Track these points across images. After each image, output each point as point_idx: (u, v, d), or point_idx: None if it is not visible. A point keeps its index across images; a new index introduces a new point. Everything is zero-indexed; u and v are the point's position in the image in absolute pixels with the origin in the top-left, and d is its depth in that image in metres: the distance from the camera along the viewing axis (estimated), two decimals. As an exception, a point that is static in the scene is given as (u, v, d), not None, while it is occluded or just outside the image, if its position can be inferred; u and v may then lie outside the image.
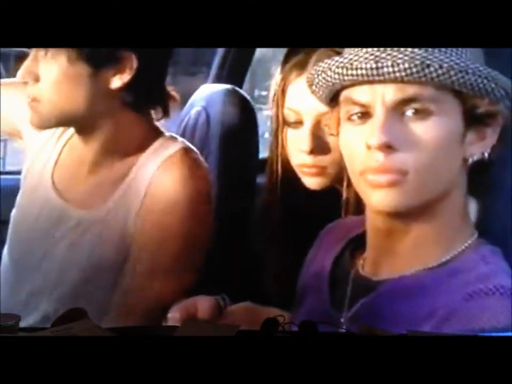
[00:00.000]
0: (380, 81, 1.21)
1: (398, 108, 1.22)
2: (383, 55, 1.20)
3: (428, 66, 1.18)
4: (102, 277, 1.58)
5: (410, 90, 1.21)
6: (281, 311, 1.41)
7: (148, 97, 1.62)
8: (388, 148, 1.21)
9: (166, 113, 1.65)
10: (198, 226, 1.59)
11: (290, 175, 1.68)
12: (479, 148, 1.26)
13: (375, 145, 1.21)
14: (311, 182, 1.65)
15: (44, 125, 1.62)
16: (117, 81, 1.55)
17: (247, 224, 1.90)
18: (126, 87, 1.56)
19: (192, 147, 1.66)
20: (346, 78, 1.24)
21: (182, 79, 2.12)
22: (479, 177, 1.30)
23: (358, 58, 1.22)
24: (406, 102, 1.22)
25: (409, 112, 1.22)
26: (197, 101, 2.07)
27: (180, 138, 1.68)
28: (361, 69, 1.21)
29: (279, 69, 1.68)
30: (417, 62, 1.18)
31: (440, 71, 1.18)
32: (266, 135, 1.99)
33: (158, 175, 1.58)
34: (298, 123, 1.62)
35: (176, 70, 2.08)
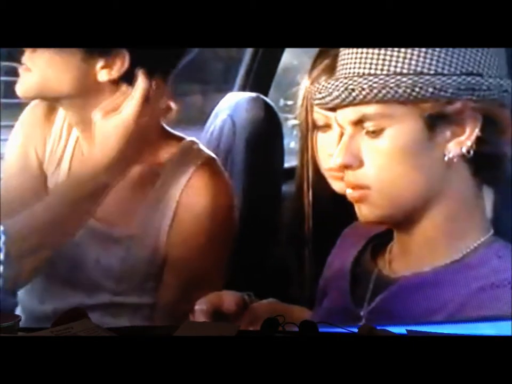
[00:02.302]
0: (342, 106, 1.34)
1: (356, 128, 1.32)
2: (337, 83, 1.33)
3: (353, 90, 1.30)
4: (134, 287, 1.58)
5: (358, 111, 1.31)
6: (305, 309, 1.48)
7: None
8: (345, 168, 1.34)
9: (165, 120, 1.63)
10: (227, 235, 1.60)
11: (319, 180, 1.68)
12: (456, 144, 1.29)
13: (335, 167, 1.37)
14: (341, 186, 1.65)
15: (27, 94, 1.60)
16: (104, 75, 1.54)
17: (272, 229, 1.91)
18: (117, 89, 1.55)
19: (213, 154, 1.65)
20: (315, 103, 1.42)
21: (214, 97, 2.13)
22: (489, 173, 1.33)
23: (324, 87, 1.35)
24: (358, 122, 1.32)
25: (364, 131, 1.32)
26: (222, 109, 2.06)
27: (200, 145, 1.65)
28: (319, 98, 1.37)
29: (306, 76, 1.69)
30: (342, 89, 1.31)
31: (363, 93, 1.29)
32: (292, 144, 1.99)
33: (190, 186, 1.57)
34: (328, 127, 1.63)
35: (207, 88, 2.10)
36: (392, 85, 1.27)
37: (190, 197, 1.57)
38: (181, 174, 1.58)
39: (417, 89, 1.26)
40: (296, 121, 1.78)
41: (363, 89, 1.29)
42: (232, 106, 2.05)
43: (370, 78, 1.28)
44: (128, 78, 1.53)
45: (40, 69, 1.55)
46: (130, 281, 1.58)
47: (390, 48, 1.28)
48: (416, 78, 1.26)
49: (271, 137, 2.02)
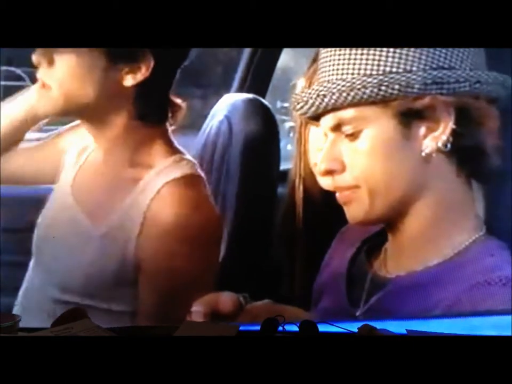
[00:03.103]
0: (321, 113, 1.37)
1: (336, 133, 1.35)
2: (309, 91, 1.36)
3: (324, 96, 1.32)
4: (104, 289, 1.57)
5: (335, 116, 1.34)
6: (300, 309, 1.49)
7: (153, 104, 1.60)
8: (330, 173, 1.37)
9: (173, 121, 1.64)
10: (199, 252, 1.58)
11: (311, 175, 1.68)
12: (432, 139, 1.30)
13: (321, 174, 1.40)
14: (327, 182, 1.65)
15: (50, 112, 1.59)
16: (130, 80, 1.54)
17: (268, 230, 1.91)
18: (135, 92, 1.56)
19: (202, 174, 1.63)
20: (298, 114, 1.44)
21: (213, 101, 2.13)
22: (473, 166, 1.33)
23: (301, 97, 1.38)
24: (337, 127, 1.34)
25: (343, 135, 1.34)
26: (219, 110, 2.06)
27: (192, 162, 1.65)
28: (299, 109, 1.40)
29: (303, 78, 1.69)
30: (315, 96, 1.34)
31: (334, 97, 1.31)
32: (289, 146, 1.99)
33: (158, 198, 1.56)
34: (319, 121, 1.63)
35: (206, 92, 2.09)
36: (359, 86, 1.29)
37: (157, 208, 1.56)
38: (154, 185, 1.57)
39: (383, 87, 1.27)
40: (292, 123, 1.78)
41: (333, 93, 1.31)
42: (229, 107, 2.05)
43: (339, 82, 1.31)
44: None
45: (60, 83, 1.54)
46: (98, 284, 1.58)
47: (360, 50, 1.30)
48: (381, 77, 1.28)
49: (267, 138, 2.02)
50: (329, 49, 1.33)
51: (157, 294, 1.55)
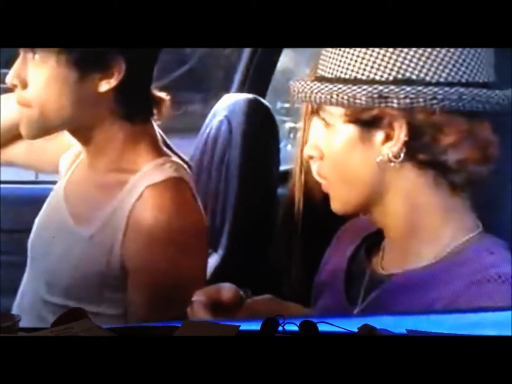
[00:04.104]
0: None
1: (318, 118, 1.35)
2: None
3: (299, 92, 1.33)
4: (91, 291, 1.58)
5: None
6: (300, 306, 1.49)
7: (135, 102, 1.59)
8: (311, 158, 1.37)
9: (159, 115, 1.64)
10: (182, 254, 1.57)
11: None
12: (387, 148, 1.29)
13: (306, 159, 1.41)
14: (313, 169, 1.65)
15: (34, 133, 1.60)
16: (104, 85, 1.54)
17: (268, 230, 1.91)
18: (114, 95, 1.56)
19: (188, 178, 1.62)
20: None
21: (214, 104, 2.14)
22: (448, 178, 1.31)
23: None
24: (317, 111, 1.34)
25: (324, 122, 1.34)
26: (219, 110, 2.07)
27: (177, 164, 1.63)
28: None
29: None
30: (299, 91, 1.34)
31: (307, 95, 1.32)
32: (289, 147, 2.00)
33: (141, 201, 1.55)
34: None
35: (207, 95, 2.10)
36: (315, 91, 1.30)
37: (139, 211, 1.55)
38: (137, 188, 1.57)
39: (334, 96, 1.27)
40: (292, 124, 1.78)
41: (304, 91, 1.32)
42: (229, 107, 2.05)
43: (308, 82, 1.32)
44: None
45: (37, 102, 1.54)
46: (85, 287, 1.58)
47: (331, 51, 1.30)
48: (331, 86, 1.28)
49: (267, 139, 2.03)
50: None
51: (144, 295, 1.56)
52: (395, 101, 1.24)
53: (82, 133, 1.61)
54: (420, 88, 1.23)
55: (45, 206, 1.72)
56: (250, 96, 2.10)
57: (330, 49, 1.30)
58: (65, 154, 1.74)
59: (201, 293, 1.47)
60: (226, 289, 1.49)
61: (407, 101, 1.24)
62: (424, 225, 1.33)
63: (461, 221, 1.34)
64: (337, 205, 1.37)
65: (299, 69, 1.77)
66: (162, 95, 1.64)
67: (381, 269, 1.39)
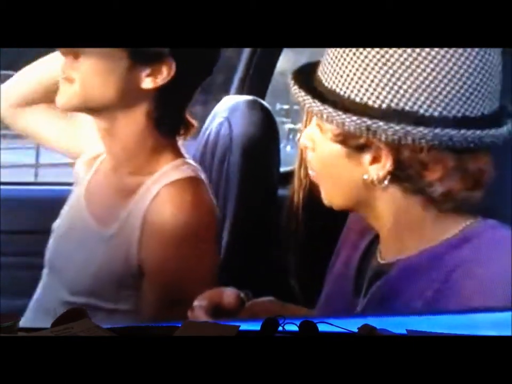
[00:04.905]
0: None
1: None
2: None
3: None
4: (110, 289, 1.58)
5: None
6: (302, 307, 1.52)
7: (170, 116, 1.60)
8: (305, 147, 1.36)
9: (184, 137, 1.64)
10: (197, 252, 1.58)
11: None
12: (373, 170, 1.28)
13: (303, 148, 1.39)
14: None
15: (69, 105, 1.58)
16: (149, 83, 1.53)
17: (268, 232, 1.91)
18: (154, 99, 1.55)
19: (202, 177, 1.64)
20: None
21: (214, 106, 2.14)
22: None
23: None
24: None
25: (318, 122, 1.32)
26: (219, 111, 2.07)
27: (194, 166, 1.65)
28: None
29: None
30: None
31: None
32: (289, 148, 2.00)
33: (157, 200, 1.56)
34: None
35: (207, 98, 2.10)
36: (308, 105, 1.29)
37: (156, 210, 1.56)
38: (154, 187, 1.58)
39: (325, 116, 1.25)
40: (292, 125, 1.79)
41: (299, 100, 1.31)
42: (229, 109, 2.06)
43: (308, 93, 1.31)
44: None
45: (83, 78, 1.52)
46: (105, 285, 1.58)
47: (335, 56, 1.28)
48: (322, 107, 1.26)
49: (267, 140, 2.03)
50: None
51: (158, 293, 1.56)
52: (383, 135, 1.22)
53: (111, 129, 1.60)
54: (409, 128, 1.21)
55: (65, 210, 1.72)
56: (250, 97, 2.10)
57: (334, 55, 1.28)
58: (82, 157, 1.74)
59: (202, 297, 1.47)
60: (228, 294, 1.49)
61: (395, 137, 1.21)
62: (415, 228, 1.32)
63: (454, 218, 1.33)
64: (325, 199, 1.37)
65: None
66: (193, 120, 1.65)
67: (381, 259, 1.39)
